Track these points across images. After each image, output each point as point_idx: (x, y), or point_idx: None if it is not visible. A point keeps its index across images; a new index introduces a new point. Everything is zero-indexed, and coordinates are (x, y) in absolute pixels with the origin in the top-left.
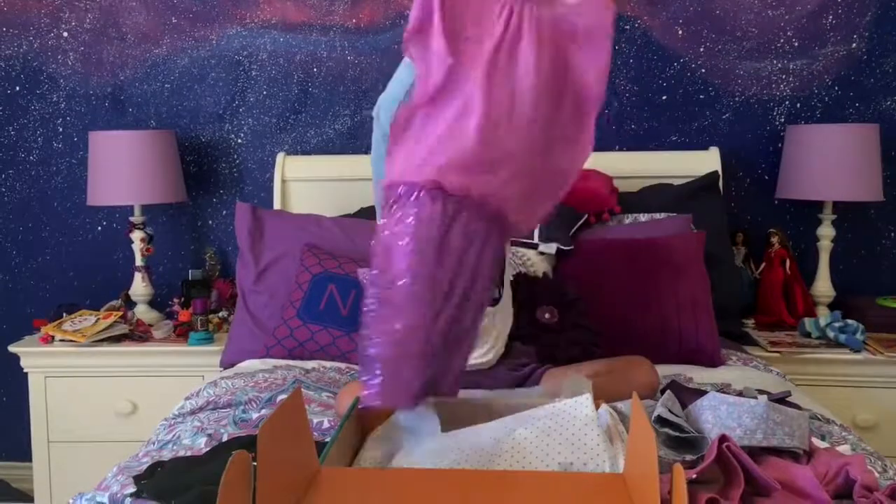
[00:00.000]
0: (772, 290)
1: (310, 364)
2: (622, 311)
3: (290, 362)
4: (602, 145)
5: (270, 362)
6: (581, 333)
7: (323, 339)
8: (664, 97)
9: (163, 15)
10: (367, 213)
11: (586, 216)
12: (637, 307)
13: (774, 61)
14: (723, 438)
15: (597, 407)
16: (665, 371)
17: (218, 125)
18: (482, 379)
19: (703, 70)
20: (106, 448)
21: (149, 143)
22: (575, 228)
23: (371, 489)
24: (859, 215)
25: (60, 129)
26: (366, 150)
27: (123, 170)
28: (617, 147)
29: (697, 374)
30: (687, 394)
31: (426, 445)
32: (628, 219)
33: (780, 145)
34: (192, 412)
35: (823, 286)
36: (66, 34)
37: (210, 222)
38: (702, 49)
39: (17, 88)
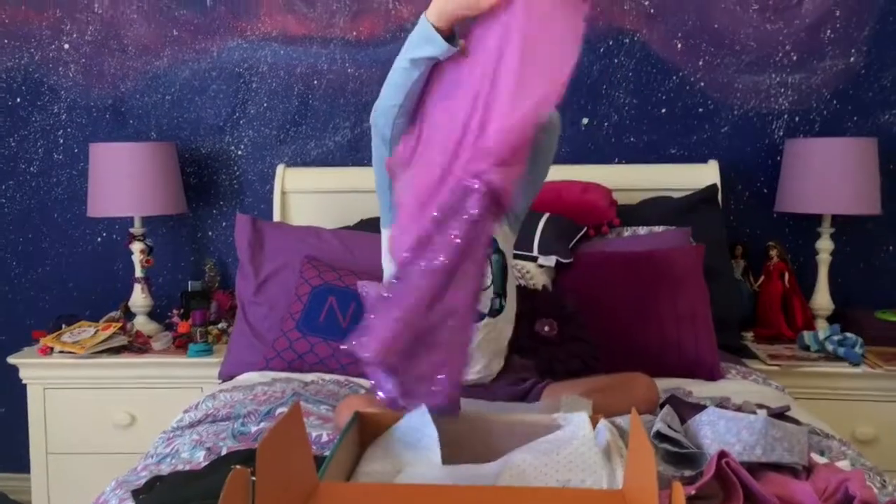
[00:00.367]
0: (771, 303)
1: (309, 377)
2: (621, 324)
3: (290, 375)
4: (601, 158)
5: (269, 375)
6: (580, 346)
7: (322, 352)
8: (663, 110)
9: (164, 27)
10: (367, 226)
11: (585, 229)
12: (636, 320)
13: (773, 75)
14: (722, 454)
15: (595, 422)
16: (664, 384)
17: (218, 137)
18: (482, 393)
19: (702, 83)
20: (104, 459)
21: (149, 154)
22: (574, 241)
23: None
24: (858, 229)
25: (61, 141)
26: (366, 161)
27: (124, 181)
28: (616, 160)
29: (697, 388)
30: (686, 409)
31: (425, 477)
32: (627, 231)
33: (778, 158)
34: (191, 425)
35: (822, 299)
36: (67, 46)
37: (210, 234)
38: (701, 63)
39: (19, 100)
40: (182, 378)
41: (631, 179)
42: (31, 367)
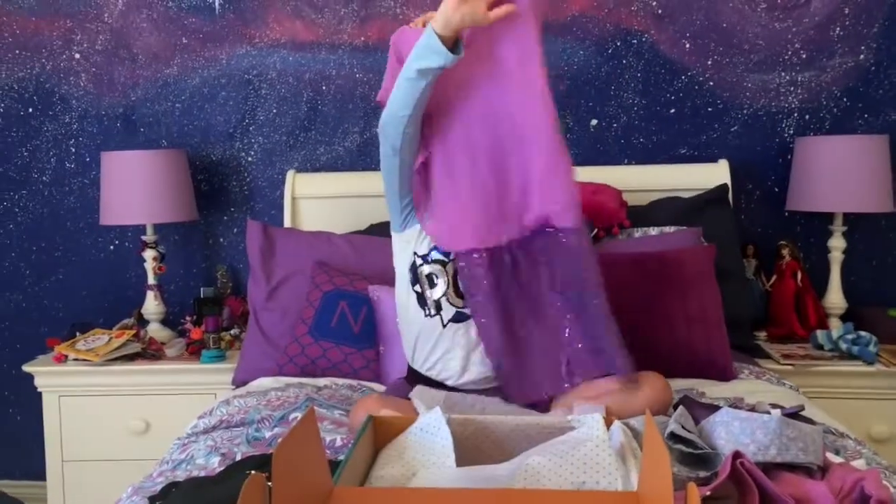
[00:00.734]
0: (783, 302)
1: (322, 381)
2: (633, 325)
3: (303, 380)
4: (611, 159)
5: (283, 380)
6: None
7: (335, 357)
8: (672, 110)
9: (173, 35)
10: (378, 230)
11: (596, 230)
12: (648, 321)
13: (782, 73)
14: (736, 454)
15: (609, 424)
16: (677, 385)
17: (228, 144)
18: (493, 396)
19: (711, 83)
20: (119, 466)
21: (160, 162)
22: None
23: None
24: (870, 226)
25: (73, 150)
26: (375, 166)
27: (135, 189)
28: (626, 161)
29: (710, 388)
30: (699, 409)
31: (439, 479)
32: (638, 232)
33: (789, 157)
34: (206, 431)
35: (835, 298)
36: (78, 56)
37: (221, 240)
38: (709, 62)
39: (31, 110)
40: (195, 384)
41: (641, 180)
42: (45, 375)
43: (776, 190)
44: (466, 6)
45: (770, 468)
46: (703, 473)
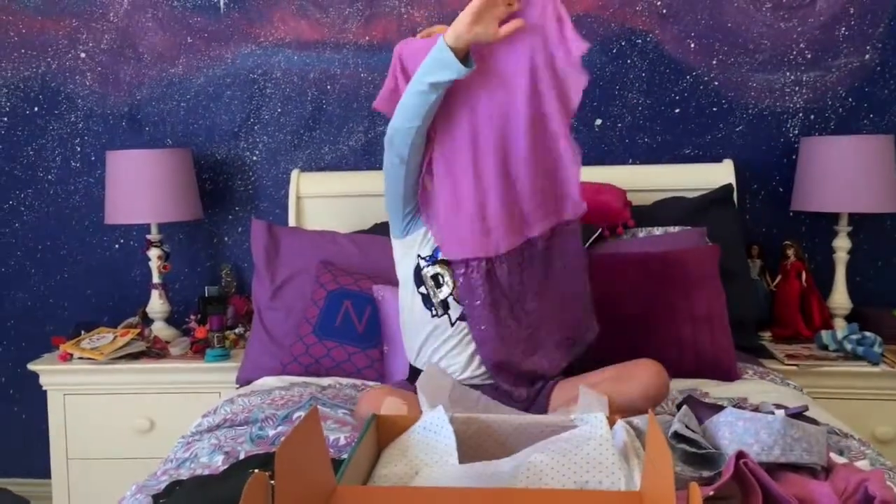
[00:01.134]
0: (788, 302)
1: (326, 381)
2: (637, 325)
3: (307, 379)
4: (615, 159)
5: (287, 379)
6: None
7: (339, 356)
8: (677, 110)
9: (178, 35)
10: (382, 229)
11: (600, 230)
12: (652, 321)
13: (787, 73)
14: (740, 455)
15: (613, 423)
16: (681, 385)
17: (233, 143)
18: (494, 392)
19: (716, 83)
20: (124, 465)
21: (165, 161)
22: (589, 242)
23: None
24: (875, 226)
25: (78, 149)
26: (380, 165)
27: (140, 188)
28: (630, 160)
29: (714, 388)
30: (703, 409)
31: (442, 476)
32: (642, 232)
33: (794, 157)
34: (210, 430)
35: (840, 298)
36: (83, 55)
37: (226, 239)
38: (714, 62)
39: (36, 109)
40: (200, 383)
41: (645, 180)
42: (51, 373)
43: (781, 190)
44: (480, 26)
45: (774, 468)
46: (706, 473)
